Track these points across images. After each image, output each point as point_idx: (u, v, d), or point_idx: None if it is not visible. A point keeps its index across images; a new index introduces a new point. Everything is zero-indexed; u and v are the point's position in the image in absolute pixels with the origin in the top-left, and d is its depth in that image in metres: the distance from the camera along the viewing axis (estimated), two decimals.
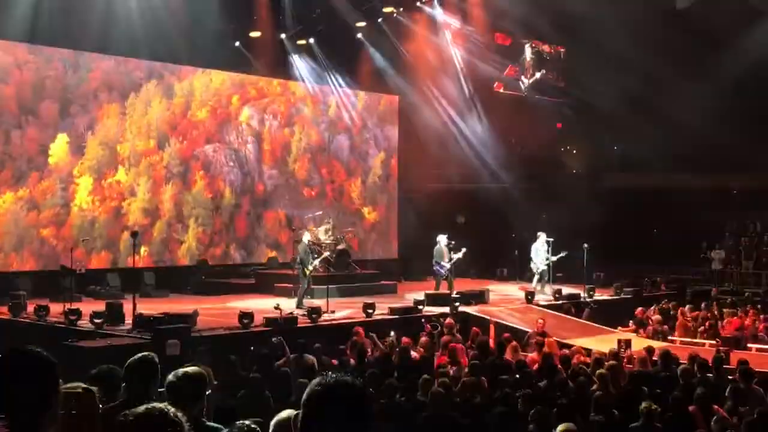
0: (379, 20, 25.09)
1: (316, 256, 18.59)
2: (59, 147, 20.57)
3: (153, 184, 22.45)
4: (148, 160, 22.44)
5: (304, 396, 2.49)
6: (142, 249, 21.23)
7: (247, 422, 3.73)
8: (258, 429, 3.68)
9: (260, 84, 25.59)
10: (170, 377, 4.54)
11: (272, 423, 3.46)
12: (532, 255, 21.26)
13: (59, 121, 20.64)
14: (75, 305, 15.01)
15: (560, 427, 6.72)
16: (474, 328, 14.94)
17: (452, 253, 19.69)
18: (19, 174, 19.85)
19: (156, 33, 20.58)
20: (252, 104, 25.59)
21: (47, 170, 20.27)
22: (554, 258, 20.95)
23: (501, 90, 27.22)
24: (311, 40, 24.60)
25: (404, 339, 13.01)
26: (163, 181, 22.77)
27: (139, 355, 4.98)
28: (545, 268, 21.09)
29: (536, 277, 21.23)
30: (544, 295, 20.44)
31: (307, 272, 17.97)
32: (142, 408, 2.61)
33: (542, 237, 21.17)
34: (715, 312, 18.73)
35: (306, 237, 18.81)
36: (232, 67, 24.11)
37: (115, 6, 19.98)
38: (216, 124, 24.39)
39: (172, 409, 2.63)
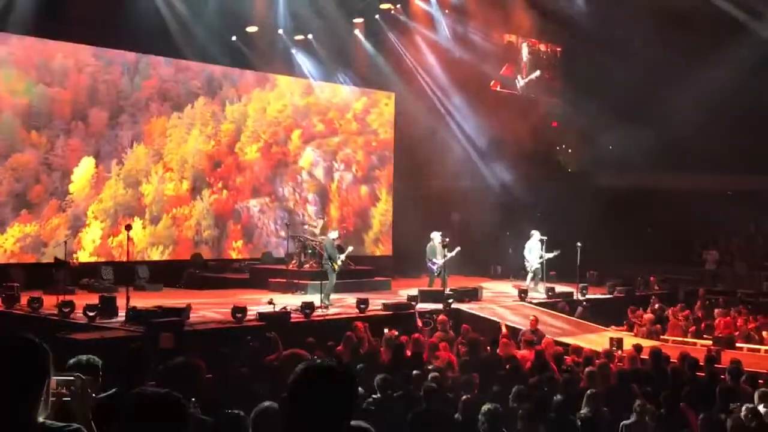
0: (376, 17, 25.07)
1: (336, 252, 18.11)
2: (84, 173, 19.26)
3: (173, 253, 19.99)
4: (173, 214, 20.08)
5: (290, 380, 2.55)
6: None
7: (234, 411, 3.80)
8: (245, 417, 3.74)
9: (330, 115, 21.19)
10: (160, 369, 4.61)
11: (253, 412, 3.51)
12: (526, 253, 21.29)
13: (105, 131, 19.75)
14: (68, 298, 15.01)
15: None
16: (464, 324, 14.98)
17: (446, 250, 19.71)
18: (51, 189, 18.86)
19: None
20: (318, 144, 21.07)
21: (67, 200, 19.14)
22: (548, 256, 20.98)
23: (498, 89, 27.35)
24: (309, 36, 24.41)
25: (395, 333, 13.05)
26: (187, 252, 20.32)
27: (133, 346, 5.04)
28: (539, 266, 21.13)
29: (530, 275, 21.26)
30: (538, 293, 20.48)
31: (336, 267, 17.52)
32: (157, 391, 2.76)
33: (536, 235, 21.20)
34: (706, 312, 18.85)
35: (333, 234, 18.32)
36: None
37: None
38: (269, 168, 20.56)
39: (182, 399, 2.73)
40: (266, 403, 3.47)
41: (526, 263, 21.36)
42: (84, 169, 19.44)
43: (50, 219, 19.07)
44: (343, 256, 17.84)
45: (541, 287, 20.80)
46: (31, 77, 19.12)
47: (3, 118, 18.77)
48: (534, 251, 21.13)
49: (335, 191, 21.05)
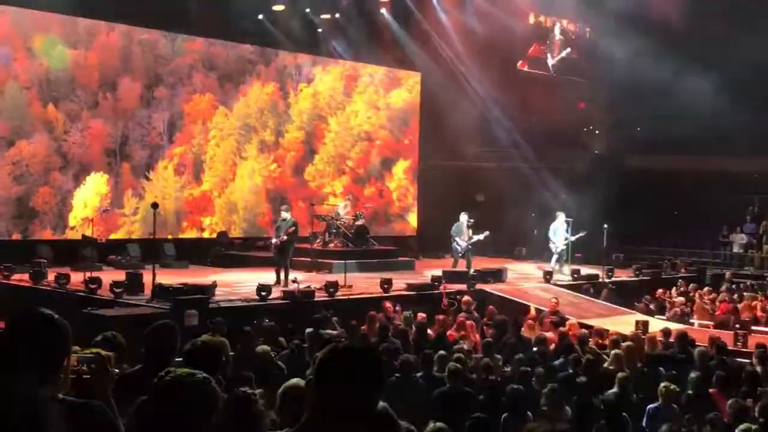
0: None
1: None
2: (89, 198, 16.19)
3: (199, 231, 17.91)
4: None
5: (317, 359, 2.51)
6: None
7: (243, 389, 3.76)
8: (255, 394, 3.71)
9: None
10: (188, 346, 4.59)
11: (281, 389, 3.48)
12: (551, 234, 21.16)
13: (137, 109, 17.22)
14: (95, 274, 15.10)
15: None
16: (490, 306, 14.91)
17: (470, 231, 19.65)
18: (62, 194, 16.09)
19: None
20: None
21: (67, 228, 16.24)
22: (573, 238, 20.86)
23: (525, 68, 27.14)
24: (337, 15, 24.10)
25: (420, 315, 13.02)
26: None
27: (159, 322, 5.03)
28: (564, 247, 21.00)
29: (555, 257, 21.13)
30: (563, 275, 20.37)
31: None
32: (183, 372, 2.67)
33: (561, 216, 21.09)
34: (735, 296, 18.63)
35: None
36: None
37: None
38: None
39: (210, 379, 2.67)
40: (295, 380, 3.44)
41: (551, 245, 21.25)
42: (89, 191, 16.22)
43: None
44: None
45: (567, 269, 20.67)
46: (51, 35, 16.43)
47: (8, 89, 15.80)
48: (559, 233, 20.99)
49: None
